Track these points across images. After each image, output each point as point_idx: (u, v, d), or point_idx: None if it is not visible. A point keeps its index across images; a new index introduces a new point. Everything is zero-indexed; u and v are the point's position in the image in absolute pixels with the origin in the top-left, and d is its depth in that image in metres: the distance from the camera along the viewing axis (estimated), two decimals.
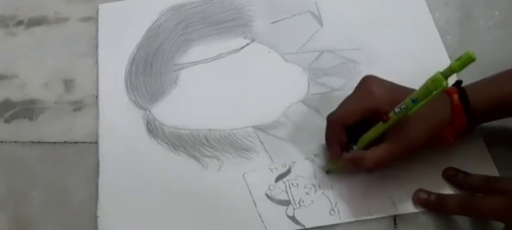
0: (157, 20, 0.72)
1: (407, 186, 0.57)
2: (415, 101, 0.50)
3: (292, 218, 0.57)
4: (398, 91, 0.53)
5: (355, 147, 0.56)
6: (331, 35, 0.70)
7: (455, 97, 0.54)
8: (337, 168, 0.58)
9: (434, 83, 0.48)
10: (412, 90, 0.53)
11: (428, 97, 0.49)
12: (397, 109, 0.52)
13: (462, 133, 0.55)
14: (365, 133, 0.55)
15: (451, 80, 0.56)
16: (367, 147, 0.55)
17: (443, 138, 0.54)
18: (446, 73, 0.48)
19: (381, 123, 0.54)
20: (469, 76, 0.57)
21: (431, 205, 0.56)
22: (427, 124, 0.54)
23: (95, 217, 0.57)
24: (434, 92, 0.49)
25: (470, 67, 0.62)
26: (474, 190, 0.55)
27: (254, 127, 0.63)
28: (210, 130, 0.63)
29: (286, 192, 0.58)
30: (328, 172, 0.59)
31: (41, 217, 0.58)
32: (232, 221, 0.57)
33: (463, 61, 0.46)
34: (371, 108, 0.54)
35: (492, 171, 0.58)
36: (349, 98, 0.57)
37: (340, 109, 0.57)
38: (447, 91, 0.55)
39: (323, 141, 0.58)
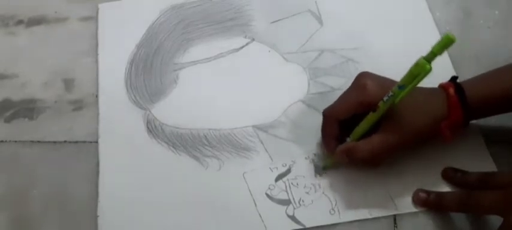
0: (157, 19, 0.72)
1: (407, 186, 0.57)
2: (401, 87, 0.51)
3: (292, 218, 0.57)
4: (390, 85, 0.53)
5: (348, 139, 0.57)
6: (331, 34, 0.70)
7: (451, 90, 0.55)
8: (332, 163, 0.58)
9: (418, 68, 0.49)
10: None
11: (413, 82, 0.50)
12: (385, 98, 0.52)
13: (459, 128, 0.56)
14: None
15: (448, 76, 0.57)
16: (360, 139, 0.56)
17: (440, 132, 0.55)
18: (428, 57, 0.49)
19: (371, 113, 0.54)
20: (469, 76, 0.57)
21: (431, 204, 0.56)
22: (421, 116, 0.54)
23: (95, 217, 0.57)
24: (419, 77, 0.50)
25: (471, 66, 0.62)
26: (472, 187, 0.55)
27: (254, 126, 0.63)
28: (210, 129, 0.63)
29: (286, 192, 0.58)
30: (324, 168, 0.59)
31: (41, 217, 0.58)
32: (232, 220, 0.57)
33: (443, 44, 0.47)
34: (364, 101, 0.55)
35: (491, 169, 0.58)
36: (343, 93, 0.57)
37: (335, 103, 0.57)
38: (443, 86, 0.56)
39: None
